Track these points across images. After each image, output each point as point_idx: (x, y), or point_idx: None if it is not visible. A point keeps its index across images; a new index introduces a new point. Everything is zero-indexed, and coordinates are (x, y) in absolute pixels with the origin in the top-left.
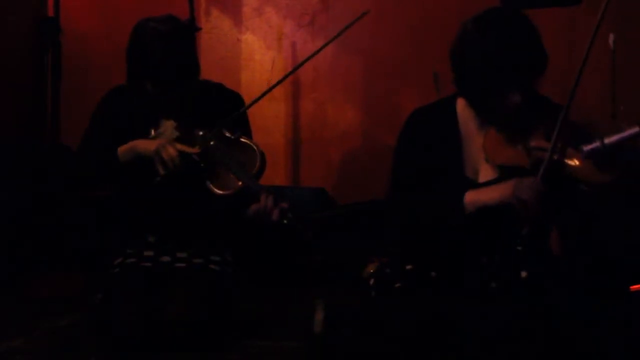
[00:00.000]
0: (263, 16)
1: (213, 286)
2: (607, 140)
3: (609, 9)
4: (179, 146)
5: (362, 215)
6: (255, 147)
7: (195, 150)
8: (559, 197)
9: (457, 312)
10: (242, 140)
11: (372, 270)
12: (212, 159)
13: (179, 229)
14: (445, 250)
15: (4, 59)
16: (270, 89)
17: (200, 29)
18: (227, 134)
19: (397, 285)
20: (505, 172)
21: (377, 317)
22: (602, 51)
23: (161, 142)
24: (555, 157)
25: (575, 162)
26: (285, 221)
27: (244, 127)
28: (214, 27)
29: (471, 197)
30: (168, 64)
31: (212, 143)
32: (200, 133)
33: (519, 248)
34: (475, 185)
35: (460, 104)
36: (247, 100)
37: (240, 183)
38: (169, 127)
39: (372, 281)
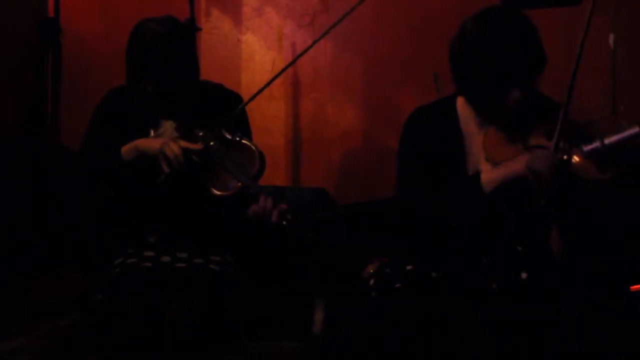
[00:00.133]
0: (263, 16)
1: (213, 286)
2: (607, 140)
3: (609, 9)
4: (183, 143)
5: (362, 215)
6: (254, 148)
7: (198, 146)
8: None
9: (457, 312)
10: (242, 141)
11: (372, 270)
12: (211, 160)
13: (179, 229)
14: (445, 251)
15: (4, 59)
16: (268, 83)
17: (200, 29)
18: (227, 135)
19: (397, 285)
20: None
21: (377, 317)
22: (602, 51)
23: (164, 139)
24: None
25: (575, 161)
26: (284, 222)
27: (244, 127)
28: (214, 27)
29: (487, 176)
30: (167, 65)
31: (211, 144)
32: (200, 134)
33: (519, 248)
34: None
35: (460, 103)
36: None
37: (239, 184)
38: (168, 127)
39: (372, 281)
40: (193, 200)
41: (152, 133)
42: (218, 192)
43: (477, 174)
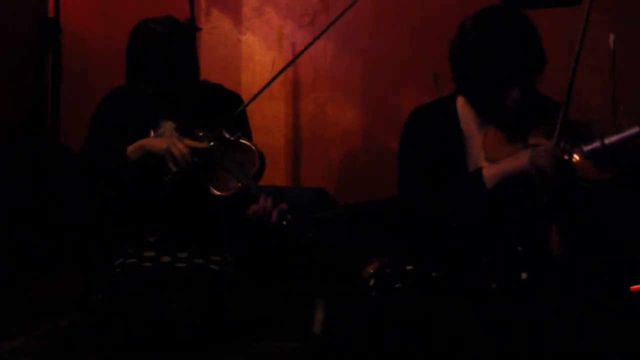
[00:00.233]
0: (263, 16)
1: (213, 286)
2: (607, 141)
3: (609, 9)
4: (188, 142)
5: (362, 215)
6: (254, 148)
7: (204, 145)
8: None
9: (457, 312)
10: (242, 141)
11: (372, 270)
12: (211, 160)
13: (179, 229)
14: (445, 251)
15: (4, 59)
16: (269, 83)
17: (200, 29)
18: (227, 135)
19: (397, 285)
20: None
21: (377, 317)
22: (602, 51)
23: (171, 139)
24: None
25: (575, 161)
26: (284, 222)
27: (244, 127)
28: (214, 27)
29: (489, 172)
30: (167, 65)
31: (211, 144)
32: (200, 134)
33: (519, 248)
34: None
35: (460, 103)
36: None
37: (239, 184)
38: (168, 128)
39: (372, 281)
40: (193, 200)
41: (152, 133)
42: (218, 192)
43: (479, 169)
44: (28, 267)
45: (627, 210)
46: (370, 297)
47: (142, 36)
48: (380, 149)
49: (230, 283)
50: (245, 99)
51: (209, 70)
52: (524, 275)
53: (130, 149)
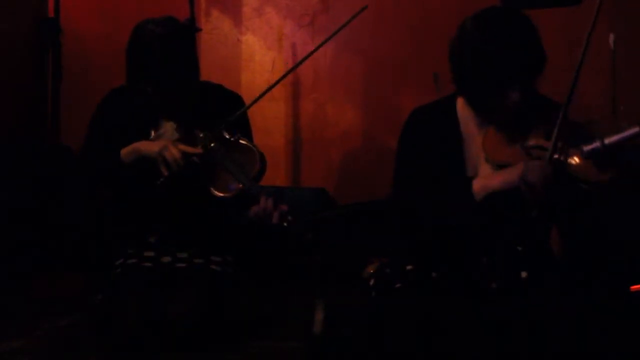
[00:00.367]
0: (263, 17)
1: (213, 286)
2: (607, 141)
3: (609, 9)
4: (182, 147)
5: (362, 215)
6: (255, 149)
7: (198, 150)
8: (560, 190)
9: (457, 312)
10: (242, 142)
11: (372, 270)
12: (212, 161)
13: (180, 229)
14: (445, 251)
15: (4, 59)
16: (270, 88)
17: (200, 29)
18: (227, 136)
19: (397, 285)
20: None
21: (377, 317)
22: (602, 51)
23: (164, 143)
24: (556, 156)
25: (575, 162)
26: (285, 224)
27: (245, 128)
28: (214, 27)
29: (479, 184)
30: (167, 65)
31: (212, 145)
32: (201, 134)
33: (519, 248)
34: None
35: (460, 103)
36: (248, 101)
37: (240, 185)
38: (169, 128)
39: (372, 281)
40: (193, 201)
41: (152, 134)
42: (218, 193)
43: (469, 180)
44: (28, 267)
45: (627, 211)
46: (370, 297)
47: (142, 37)
48: (380, 149)
49: (230, 283)
50: (245, 99)
51: (209, 71)
52: (524, 275)
53: (124, 151)
